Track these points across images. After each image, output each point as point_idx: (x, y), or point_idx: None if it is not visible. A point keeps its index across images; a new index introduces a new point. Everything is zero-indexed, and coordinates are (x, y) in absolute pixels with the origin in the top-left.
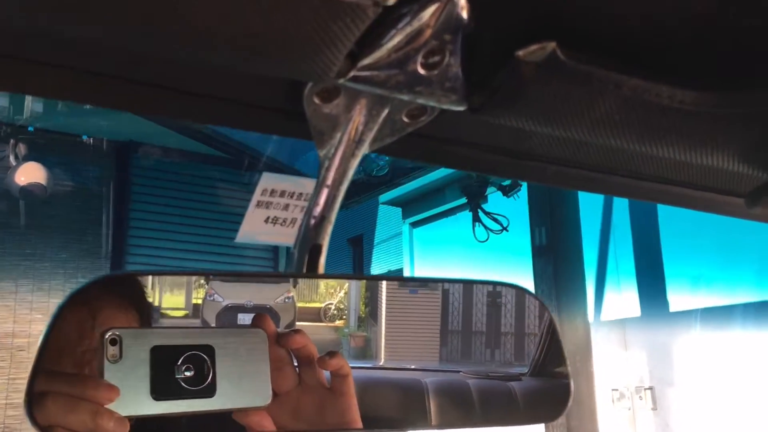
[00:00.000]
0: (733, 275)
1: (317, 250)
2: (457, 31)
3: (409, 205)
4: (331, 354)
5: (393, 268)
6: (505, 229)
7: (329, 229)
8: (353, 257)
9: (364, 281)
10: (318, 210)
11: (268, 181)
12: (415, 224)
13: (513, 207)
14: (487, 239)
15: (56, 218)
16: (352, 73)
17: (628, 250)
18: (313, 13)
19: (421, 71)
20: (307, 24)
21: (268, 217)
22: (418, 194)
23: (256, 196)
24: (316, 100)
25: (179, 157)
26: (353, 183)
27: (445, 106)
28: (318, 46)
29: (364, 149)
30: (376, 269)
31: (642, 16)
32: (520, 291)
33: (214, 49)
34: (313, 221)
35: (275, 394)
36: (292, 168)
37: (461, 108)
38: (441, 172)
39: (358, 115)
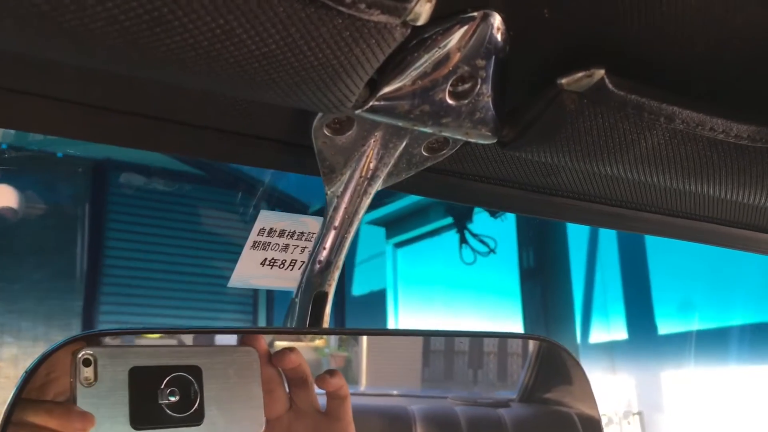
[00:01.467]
0: (723, 299)
1: (322, 298)
2: (490, 56)
3: (392, 225)
4: (331, 373)
5: (375, 288)
6: (492, 251)
7: (336, 275)
8: None
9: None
10: (324, 254)
11: (265, 219)
12: (399, 245)
13: (500, 228)
14: (474, 261)
15: (29, 238)
16: (370, 103)
17: (616, 272)
18: (334, 34)
19: (449, 101)
20: (326, 48)
21: (265, 259)
22: (402, 214)
23: (252, 237)
24: (327, 132)
25: (158, 176)
26: None
27: (472, 140)
28: (337, 73)
29: (378, 186)
30: (357, 289)
31: (696, 43)
32: (550, 344)
33: (214, 75)
34: (318, 266)
35: (266, 420)
36: (275, 188)
37: (490, 142)
38: None
39: (373, 149)
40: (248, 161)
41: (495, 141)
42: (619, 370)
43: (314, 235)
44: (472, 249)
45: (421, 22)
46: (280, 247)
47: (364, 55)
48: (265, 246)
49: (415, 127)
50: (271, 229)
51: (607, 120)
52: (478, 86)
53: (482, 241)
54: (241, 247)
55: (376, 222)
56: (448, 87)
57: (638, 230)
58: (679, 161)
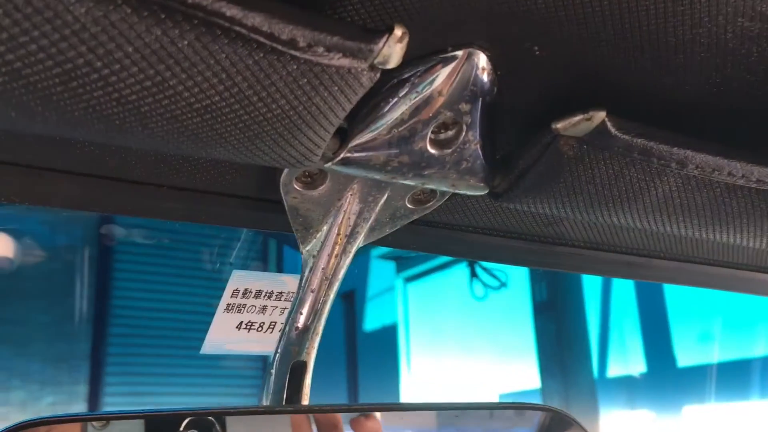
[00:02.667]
0: (744, 330)
1: (301, 369)
2: (476, 99)
3: (403, 259)
4: (367, 416)
5: (387, 323)
6: (503, 284)
7: (316, 342)
8: (345, 314)
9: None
10: (301, 320)
11: (239, 280)
12: (409, 279)
13: None
14: (485, 296)
15: (34, 281)
16: (341, 155)
17: (632, 303)
18: (289, 82)
19: (431, 150)
20: (281, 98)
21: (241, 323)
22: None
23: (225, 299)
24: (297, 187)
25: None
26: None
27: (461, 191)
28: (296, 126)
29: (358, 243)
30: (369, 325)
31: (707, 78)
32: (556, 414)
33: (149, 131)
34: (295, 333)
35: None
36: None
37: (480, 193)
38: None
39: (350, 203)
40: (211, 220)
41: (486, 192)
42: (639, 404)
43: (294, 295)
44: (483, 283)
45: (391, 65)
46: (257, 309)
47: (326, 104)
48: (240, 308)
49: (395, 180)
50: (246, 290)
51: (611, 167)
52: (464, 133)
53: (493, 275)
54: None
55: (386, 256)
56: (429, 134)
57: (652, 279)
58: (694, 209)
